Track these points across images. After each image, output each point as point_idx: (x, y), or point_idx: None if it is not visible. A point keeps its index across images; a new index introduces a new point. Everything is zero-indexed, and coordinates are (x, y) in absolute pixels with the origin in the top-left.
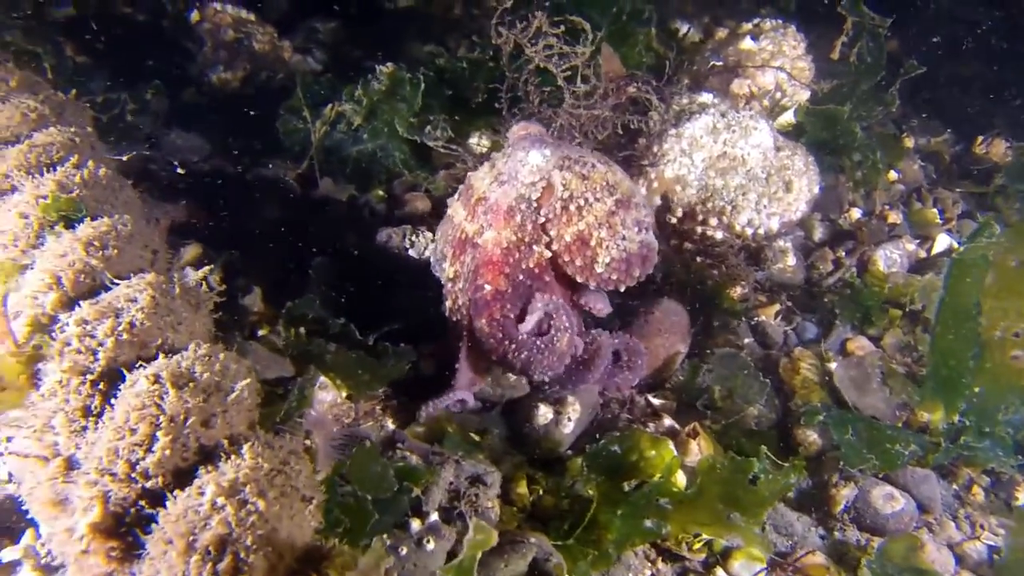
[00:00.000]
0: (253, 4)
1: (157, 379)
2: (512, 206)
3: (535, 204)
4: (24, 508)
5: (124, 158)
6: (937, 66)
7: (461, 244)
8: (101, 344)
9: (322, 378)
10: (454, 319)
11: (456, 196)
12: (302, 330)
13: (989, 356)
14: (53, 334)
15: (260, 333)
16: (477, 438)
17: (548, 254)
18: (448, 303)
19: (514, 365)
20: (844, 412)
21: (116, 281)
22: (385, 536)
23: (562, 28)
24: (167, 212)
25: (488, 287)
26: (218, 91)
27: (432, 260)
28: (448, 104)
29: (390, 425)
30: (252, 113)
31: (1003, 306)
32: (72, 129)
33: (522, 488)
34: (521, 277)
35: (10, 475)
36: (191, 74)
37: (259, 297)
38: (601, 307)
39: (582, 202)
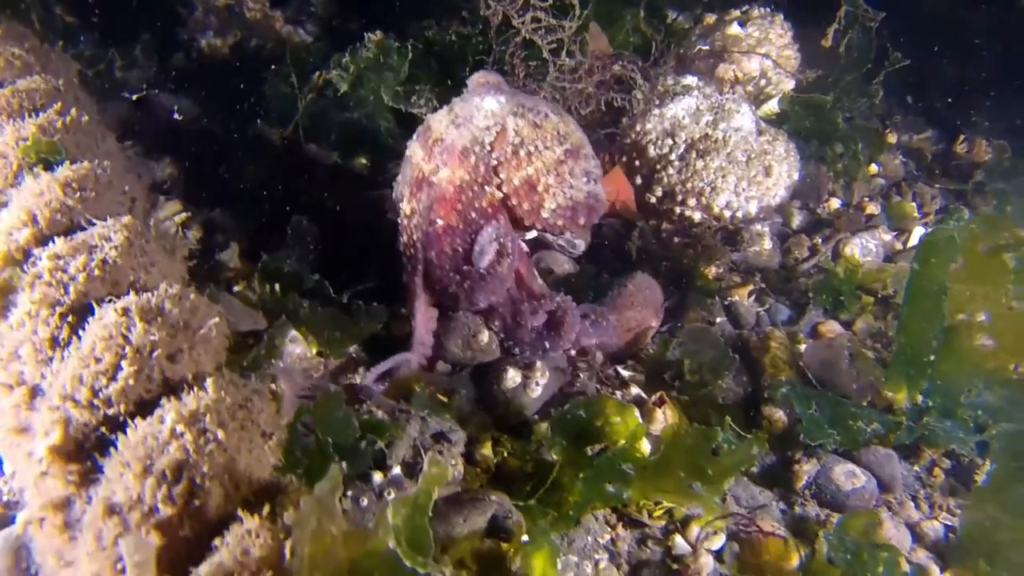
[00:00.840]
0: None
1: (126, 312)
2: (467, 147)
3: (489, 147)
4: None
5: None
6: (923, 65)
7: (418, 183)
8: (73, 278)
9: (293, 332)
10: (408, 254)
11: (415, 137)
12: (276, 285)
13: (954, 338)
14: (25, 268)
15: (236, 289)
16: (445, 399)
17: (499, 194)
18: (403, 238)
19: (458, 295)
20: (809, 388)
21: (93, 222)
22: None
23: (550, 2)
24: (151, 168)
25: (440, 222)
26: (207, 57)
27: (393, 199)
28: (435, 76)
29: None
30: (240, 79)
31: (970, 290)
32: (59, 80)
33: (487, 449)
34: (473, 215)
35: None
36: (181, 39)
37: (236, 253)
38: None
39: (532, 148)
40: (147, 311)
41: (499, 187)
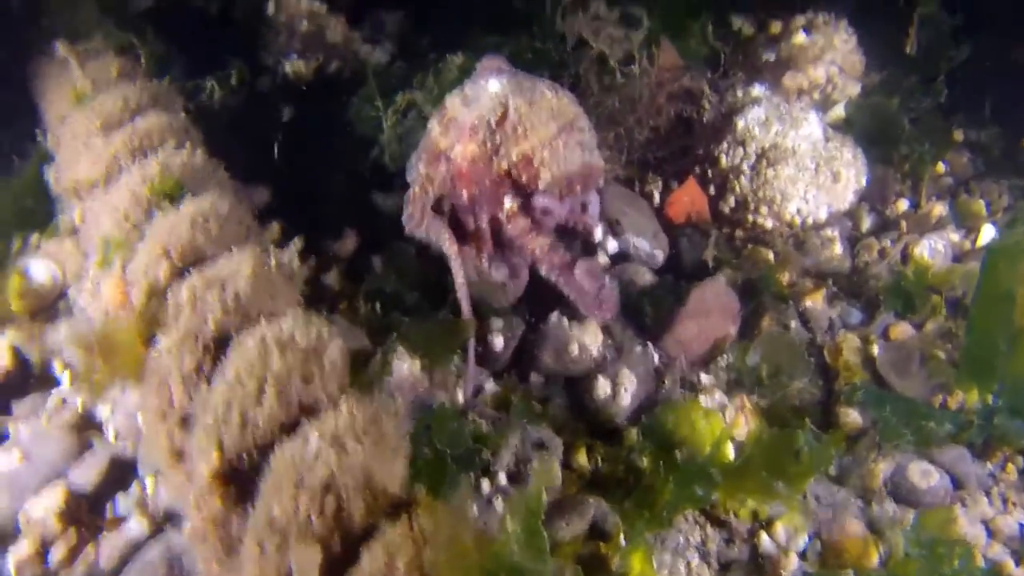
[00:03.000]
0: None
1: (263, 342)
2: (475, 124)
3: (494, 124)
4: (134, 463)
5: None
6: (989, 57)
7: (435, 155)
8: (211, 310)
9: (399, 348)
10: (411, 205)
11: (434, 115)
12: (378, 305)
13: (1022, 342)
14: (166, 301)
15: (340, 308)
16: (540, 407)
17: (504, 165)
18: (415, 189)
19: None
20: (883, 390)
21: (218, 254)
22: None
23: (617, 14)
24: (251, 195)
25: (465, 194)
26: (291, 82)
27: (408, 168)
28: None
29: (460, 396)
30: (325, 102)
31: None
32: (170, 115)
33: (582, 456)
34: (487, 182)
35: (117, 433)
36: (266, 63)
37: (337, 275)
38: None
39: (528, 125)
40: (281, 340)
41: (503, 160)
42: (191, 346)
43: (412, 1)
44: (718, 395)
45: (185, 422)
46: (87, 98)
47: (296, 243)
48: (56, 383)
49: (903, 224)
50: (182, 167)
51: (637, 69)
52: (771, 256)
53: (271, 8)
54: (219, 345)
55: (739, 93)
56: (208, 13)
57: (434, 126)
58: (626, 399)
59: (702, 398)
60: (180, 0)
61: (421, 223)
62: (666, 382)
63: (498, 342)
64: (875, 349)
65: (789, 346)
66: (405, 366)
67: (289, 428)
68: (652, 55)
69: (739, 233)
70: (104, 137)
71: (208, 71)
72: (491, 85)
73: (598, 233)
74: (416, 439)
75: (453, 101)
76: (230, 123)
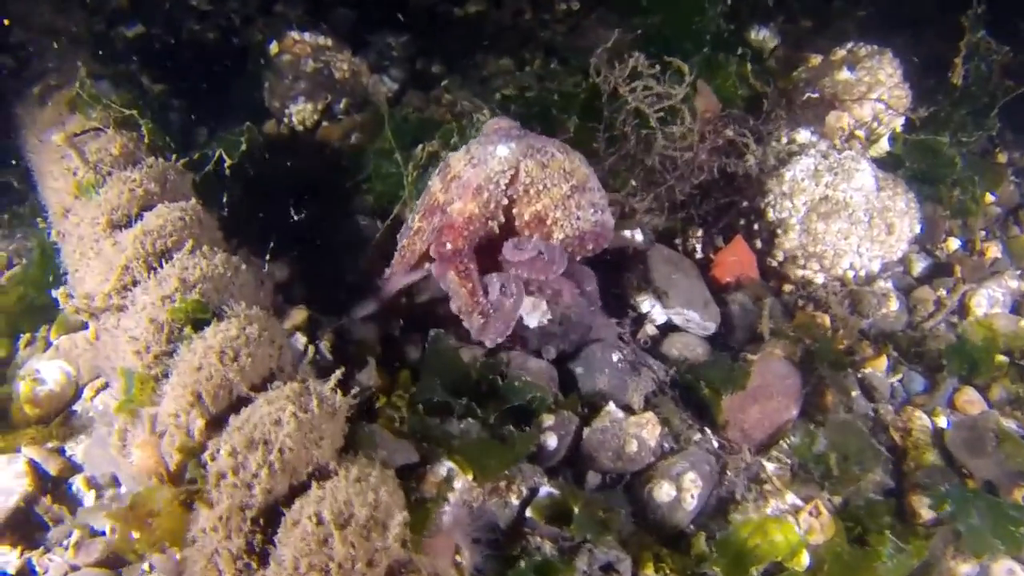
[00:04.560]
0: (317, 20)
1: (319, 520)
2: (481, 185)
3: (503, 187)
4: None
5: None
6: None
7: (432, 208)
8: (256, 475)
9: (450, 466)
10: (395, 265)
11: (437, 171)
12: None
13: None
14: (203, 460)
15: (377, 405)
16: (603, 516)
17: (497, 229)
18: (404, 242)
19: (476, 320)
20: (965, 490)
21: (252, 394)
22: None
23: (658, 68)
24: (271, 274)
25: (450, 245)
26: (297, 128)
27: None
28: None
29: (514, 501)
30: (336, 155)
31: None
32: (180, 205)
33: (649, 570)
34: (476, 242)
35: None
36: (271, 104)
37: (374, 370)
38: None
39: (540, 187)
40: (339, 515)
41: (509, 222)
42: (238, 523)
43: (418, 22)
44: (790, 497)
45: None
46: (90, 190)
47: (336, 374)
48: (78, 504)
49: (957, 269)
50: (201, 277)
51: (679, 129)
52: (827, 320)
53: (273, 48)
54: (268, 517)
55: (784, 139)
56: (203, 41)
57: (435, 183)
58: (691, 504)
59: (773, 503)
60: (172, 24)
61: (401, 275)
62: (729, 474)
63: (551, 442)
64: (942, 421)
65: (857, 432)
66: (459, 485)
67: None
68: (693, 109)
69: (787, 287)
70: (112, 239)
71: (209, 111)
72: (499, 150)
73: (645, 304)
74: None
75: (457, 159)
76: (242, 184)
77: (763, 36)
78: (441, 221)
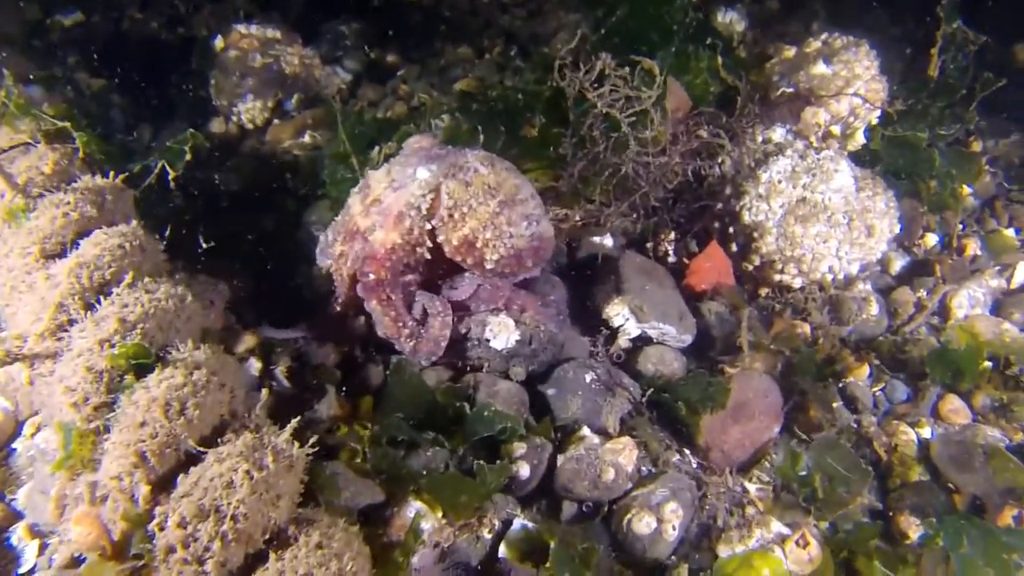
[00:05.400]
0: (265, 7)
1: None
2: (402, 212)
3: (424, 212)
4: None
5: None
6: (1003, 60)
7: (351, 234)
8: (207, 548)
9: (418, 506)
10: (337, 286)
11: (356, 190)
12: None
13: None
14: (150, 530)
15: (338, 433)
16: (581, 551)
17: (427, 255)
18: (335, 274)
19: (405, 343)
20: (957, 517)
21: (201, 450)
22: None
23: (627, 70)
24: (218, 292)
25: (372, 276)
26: (246, 125)
27: (320, 246)
28: (502, 139)
29: (487, 535)
30: (287, 156)
31: None
32: (119, 231)
33: None
34: (402, 268)
35: None
36: (218, 103)
37: (334, 399)
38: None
39: (465, 209)
40: None
41: (432, 248)
42: None
43: (371, 10)
44: (775, 525)
45: None
46: (19, 215)
47: (292, 423)
48: (18, 558)
49: (937, 268)
50: (143, 315)
51: (652, 133)
52: (806, 328)
53: (219, 43)
54: None
55: (759, 138)
56: (147, 31)
57: (355, 203)
58: (673, 535)
59: (758, 532)
60: (111, 13)
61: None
62: (710, 498)
63: (523, 471)
64: (926, 432)
65: (844, 453)
66: (427, 526)
67: None
68: (664, 109)
69: (763, 291)
70: (45, 271)
71: (152, 108)
72: (419, 173)
73: (618, 318)
74: None
75: (378, 181)
76: (184, 192)
77: (730, 19)
78: (363, 250)
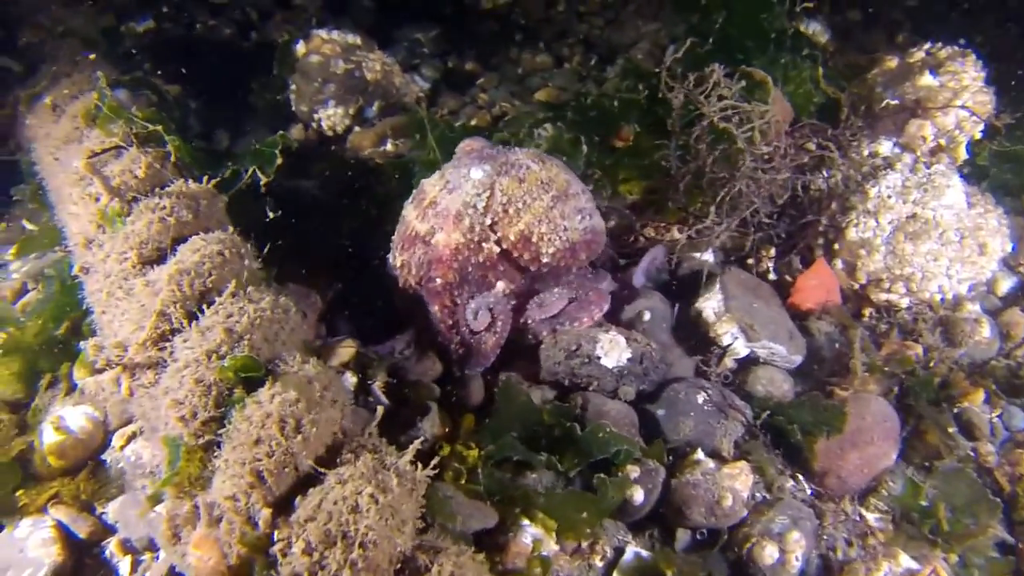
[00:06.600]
0: (337, 14)
1: None
2: (460, 211)
3: (482, 210)
4: None
5: None
6: None
7: (410, 240)
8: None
9: (535, 531)
10: (403, 295)
11: (410, 200)
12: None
13: None
14: (271, 555)
15: (442, 453)
16: None
17: (497, 249)
18: (401, 283)
19: (456, 351)
20: None
21: (321, 470)
22: None
23: (741, 84)
24: (312, 303)
25: (439, 280)
26: (326, 133)
27: (388, 264)
28: (596, 147)
29: (598, 564)
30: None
31: None
32: (217, 237)
33: None
34: (470, 269)
35: None
36: (298, 108)
37: (437, 417)
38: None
39: (520, 204)
40: None
41: (498, 243)
42: None
43: (443, 14)
44: (903, 559)
45: None
46: (116, 220)
47: (415, 444)
48: (114, 573)
49: None
50: (249, 326)
51: (767, 148)
52: (918, 350)
53: (300, 48)
54: None
55: (864, 151)
56: (218, 37)
57: (409, 211)
58: (796, 567)
59: (886, 566)
60: (183, 19)
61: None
62: (828, 527)
63: (638, 496)
64: None
65: (969, 482)
66: (547, 552)
67: None
68: (776, 122)
69: (869, 311)
70: (143, 277)
71: (227, 114)
72: (473, 173)
73: (727, 337)
74: None
75: (432, 185)
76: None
77: (813, 30)
78: (427, 254)
